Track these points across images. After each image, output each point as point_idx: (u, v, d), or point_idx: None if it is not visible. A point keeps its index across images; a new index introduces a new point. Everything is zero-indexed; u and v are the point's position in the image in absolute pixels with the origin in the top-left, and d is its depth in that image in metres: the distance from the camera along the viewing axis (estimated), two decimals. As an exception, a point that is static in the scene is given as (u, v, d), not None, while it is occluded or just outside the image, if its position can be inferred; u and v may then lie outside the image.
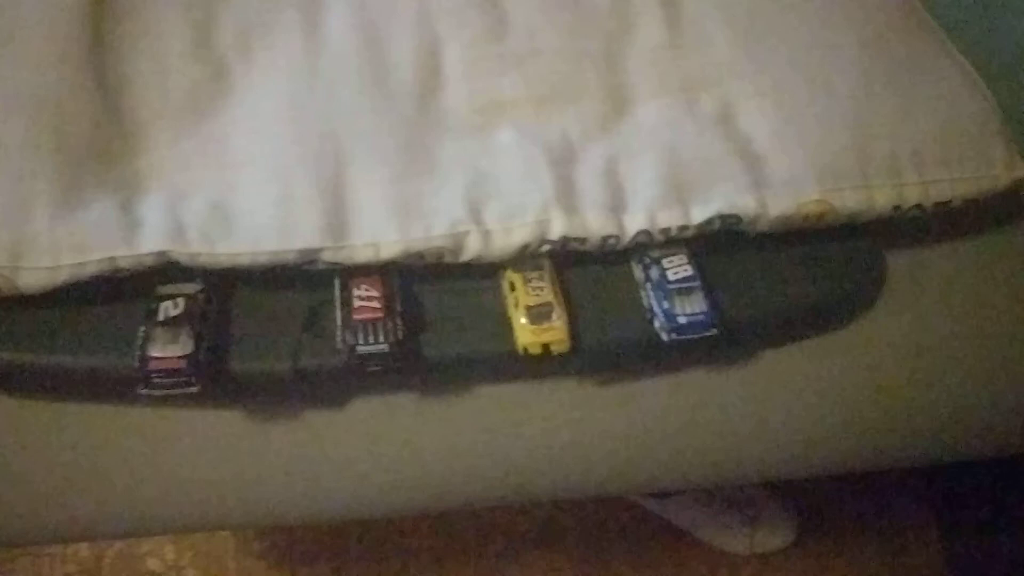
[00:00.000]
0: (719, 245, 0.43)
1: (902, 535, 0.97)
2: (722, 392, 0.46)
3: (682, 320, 0.39)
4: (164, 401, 0.38)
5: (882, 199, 0.42)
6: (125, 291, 0.39)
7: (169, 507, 0.45)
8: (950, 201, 0.43)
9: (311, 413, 0.43)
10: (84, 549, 0.94)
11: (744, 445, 0.47)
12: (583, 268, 0.42)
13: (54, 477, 0.43)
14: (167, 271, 0.39)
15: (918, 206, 0.42)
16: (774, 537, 0.96)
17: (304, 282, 0.40)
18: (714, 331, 0.40)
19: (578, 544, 0.96)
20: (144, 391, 0.37)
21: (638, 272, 0.42)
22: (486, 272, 0.42)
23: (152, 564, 0.94)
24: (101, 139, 0.41)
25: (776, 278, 0.43)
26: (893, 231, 0.45)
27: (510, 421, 0.45)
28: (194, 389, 0.37)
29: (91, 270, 0.37)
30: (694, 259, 0.41)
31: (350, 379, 0.40)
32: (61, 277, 0.37)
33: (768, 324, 0.43)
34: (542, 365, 0.40)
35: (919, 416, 0.48)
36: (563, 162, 0.42)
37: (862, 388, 0.47)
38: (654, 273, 0.41)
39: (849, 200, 0.41)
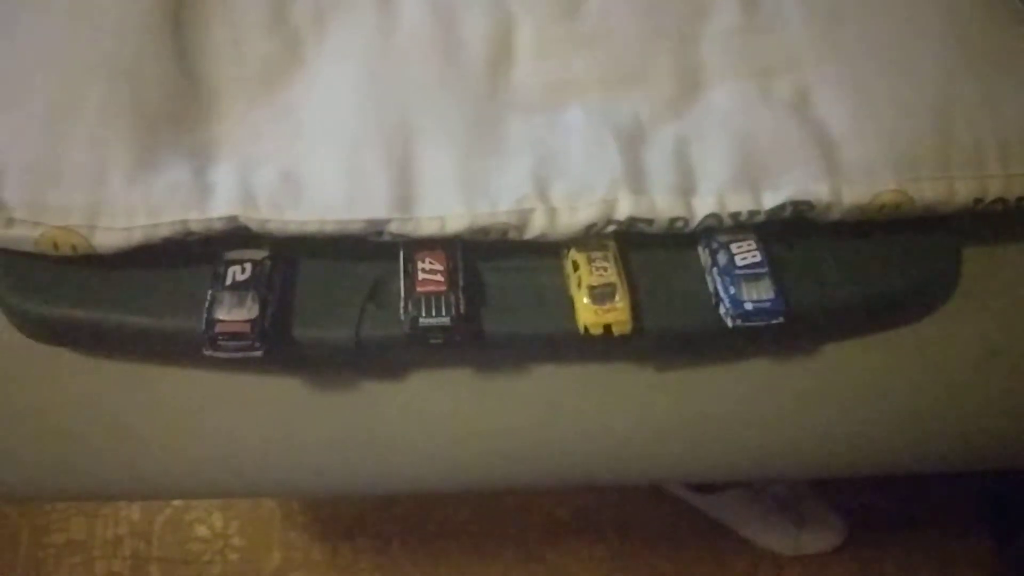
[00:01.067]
0: (788, 232, 0.42)
1: (952, 543, 0.95)
2: (783, 383, 0.45)
3: (748, 306, 0.39)
4: (226, 364, 0.39)
5: (963, 191, 0.40)
6: (194, 255, 0.39)
7: (222, 471, 0.45)
8: (1034, 196, 0.41)
9: (368, 384, 0.43)
10: (136, 513, 0.96)
11: (802, 439, 0.46)
12: (648, 251, 0.42)
13: (114, 435, 0.44)
14: (236, 237, 0.39)
15: (1000, 199, 0.41)
16: (820, 539, 0.94)
17: (368, 253, 0.40)
18: (781, 319, 0.39)
19: (617, 534, 0.96)
20: (209, 352, 0.37)
21: (704, 256, 0.41)
22: (550, 251, 0.41)
23: (200, 531, 0.96)
24: (177, 106, 0.41)
25: (846, 269, 0.42)
26: (970, 225, 0.44)
27: (567, 402, 0.44)
28: (258, 353, 0.37)
29: (163, 232, 0.38)
30: (763, 245, 0.41)
31: (410, 351, 0.40)
32: (135, 238, 0.38)
33: (835, 316, 0.42)
34: (602, 347, 0.40)
35: (987, 420, 0.47)
36: (632, 143, 0.41)
37: (928, 388, 0.45)
38: (721, 258, 0.40)
39: (927, 191, 0.40)
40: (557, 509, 0.97)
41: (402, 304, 0.38)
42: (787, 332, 0.40)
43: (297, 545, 0.95)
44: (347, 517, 0.96)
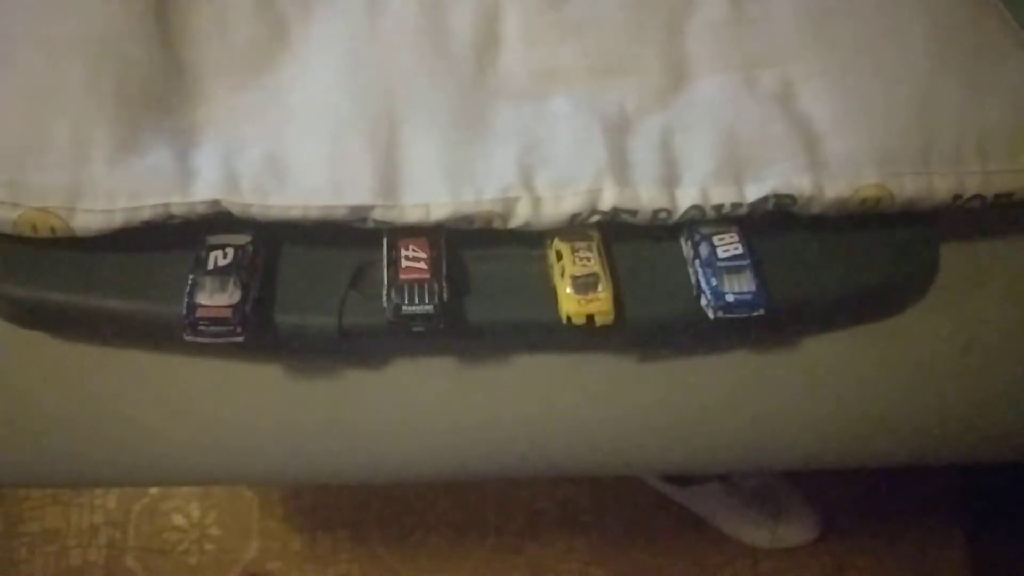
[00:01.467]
0: (770, 225, 0.42)
1: (927, 537, 0.96)
2: (764, 375, 0.45)
3: (730, 298, 0.39)
4: (208, 349, 0.38)
5: (942, 187, 0.41)
6: (176, 239, 0.39)
7: (203, 457, 0.45)
8: (1012, 193, 0.42)
9: (350, 372, 0.43)
10: (112, 501, 0.96)
11: (782, 430, 0.47)
12: (631, 242, 0.42)
13: (92, 420, 0.44)
14: (218, 221, 0.39)
15: (978, 196, 0.41)
16: (796, 532, 0.95)
17: (351, 240, 0.40)
18: (762, 311, 0.39)
19: (597, 526, 0.97)
20: (189, 337, 0.37)
21: (687, 248, 0.42)
22: (533, 240, 0.41)
23: (177, 520, 0.96)
24: (160, 88, 0.41)
25: (826, 262, 0.43)
26: (949, 221, 0.44)
27: (549, 392, 0.44)
28: (239, 339, 0.37)
29: (145, 215, 0.37)
30: (745, 237, 0.41)
31: (393, 339, 0.40)
32: (116, 221, 0.37)
33: (815, 308, 0.43)
34: (585, 337, 0.40)
35: (963, 414, 0.47)
36: (617, 133, 0.41)
37: (906, 381, 0.46)
38: (703, 250, 0.40)
39: (908, 186, 0.41)
40: (537, 501, 0.98)
41: (385, 291, 0.38)
42: (768, 324, 0.40)
43: (275, 535, 0.95)
44: (326, 507, 0.96)
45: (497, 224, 0.40)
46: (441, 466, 0.47)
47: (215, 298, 0.37)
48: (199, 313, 0.36)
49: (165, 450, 0.44)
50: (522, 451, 0.46)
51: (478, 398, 0.44)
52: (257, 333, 0.38)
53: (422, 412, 0.44)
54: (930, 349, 0.46)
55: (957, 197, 0.41)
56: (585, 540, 0.97)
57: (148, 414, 0.43)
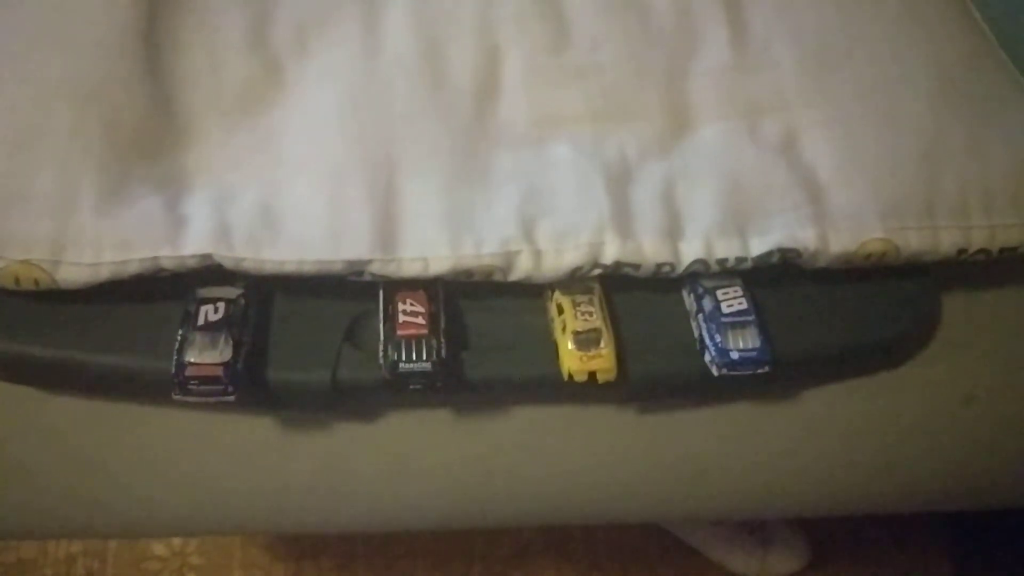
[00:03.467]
0: (771, 277, 0.41)
1: (913, 565, 0.96)
2: (763, 426, 0.45)
3: (734, 355, 0.38)
4: (197, 404, 0.37)
5: (947, 241, 0.40)
6: (164, 290, 0.38)
7: (188, 510, 0.44)
8: (1017, 247, 0.41)
9: (343, 424, 0.42)
10: (90, 530, 0.93)
11: (781, 481, 0.46)
12: (631, 293, 0.41)
13: (76, 473, 0.42)
14: (208, 273, 0.37)
15: (983, 250, 0.41)
16: (785, 562, 0.95)
17: (346, 291, 0.39)
18: (767, 368, 0.38)
19: (585, 555, 0.95)
20: (179, 397, 0.35)
21: (689, 301, 0.41)
22: (533, 292, 0.40)
23: (157, 549, 0.93)
24: (149, 131, 0.39)
25: (828, 315, 0.42)
26: (951, 271, 0.44)
27: (546, 443, 0.43)
28: (230, 398, 0.36)
29: (133, 269, 0.36)
30: (748, 291, 0.40)
31: (389, 395, 0.39)
32: (103, 274, 0.36)
33: (818, 363, 0.42)
34: (585, 391, 0.39)
35: (963, 464, 0.47)
36: (619, 182, 0.40)
37: (906, 432, 0.45)
38: (707, 304, 0.40)
39: (913, 241, 0.40)
40: (525, 530, 0.96)
41: (381, 348, 0.37)
42: (770, 378, 0.39)
43: (259, 564, 0.93)
44: (310, 536, 0.94)
45: (497, 277, 0.39)
46: (436, 516, 0.45)
47: (205, 355, 0.36)
48: (189, 372, 0.35)
49: (150, 503, 0.43)
50: (519, 501, 0.45)
51: (475, 450, 0.43)
52: (249, 390, 0.37)
53: (416, 463, 0.43)
54: (930, 400, 0.45)
55: (962, 251, 0.41)
56: (572, 568, 0.96)
57: (133, 468, 0.42)
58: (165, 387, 0.36)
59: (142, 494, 0.42)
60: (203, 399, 0.35)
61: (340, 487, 0.43)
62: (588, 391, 0.39)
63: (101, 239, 0.36)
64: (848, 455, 0.45)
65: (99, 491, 0.42)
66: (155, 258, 0.36)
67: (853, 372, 0.44)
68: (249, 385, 0.37)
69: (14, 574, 0.91)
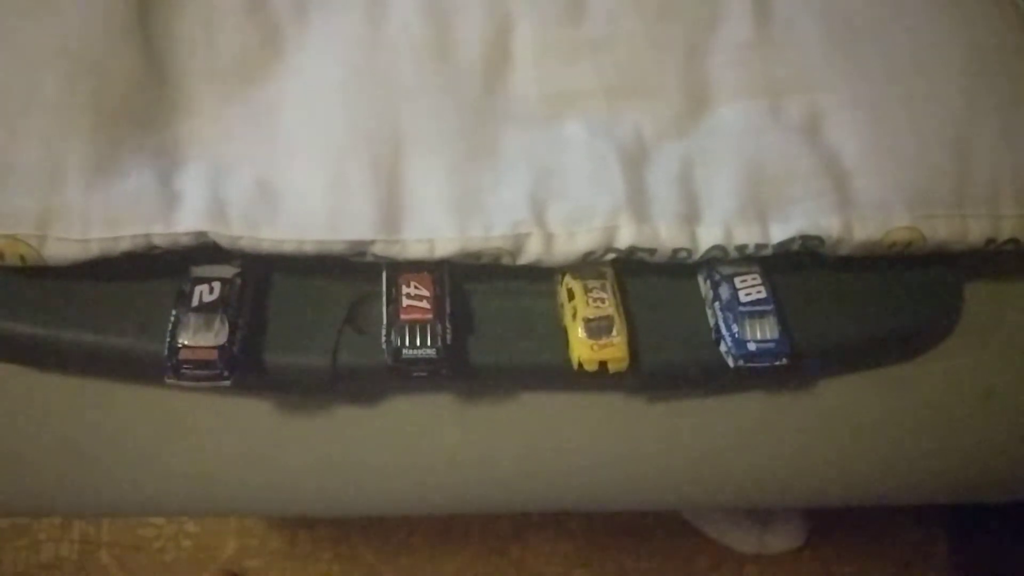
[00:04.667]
0: (788, 263, 0.40)
1: (911, 544, 0.96)
2: (779, 417, 0.43)
3: (752, 347, 0.37)
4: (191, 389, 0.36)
5: (976, 231, 0.39)
6: (158, 267, 0.36)
7: (183, 492, 0.43)
8: (1048, 239, 0.40)
9: (342, 407, 0.41)
10: (85, 496, 0.93)
11: (794, 472, 0.45)
12: (644, 278, 0.39)
13: (66, 454, 0.41)
14: (203, 251, 0.36)
15: (1013, 240, 0.39)
16: (782, 539, 0.95)
17: (347, 272, 0.38)
18: (784, 360, 0.37)
19: (584, 530, 0.95)
20: (171, 381, 0.34)
21: (705, 288, 0.39)
22: (543, 276, 0.39)
23: (154, 516, 0.93)
24: (142, 101, 0.37)
25: (848, 305, 0.40)
26: (974, 261, 0.42)
27: (554, 431, 0.42)
28: (226, 383, 0.34)
29: (124, 246, 0.34)
30: (767, 279, 0.38)
31: (391, 381, 0.38)
32: (92, 251, 0.34)
33: (836, 354, 0.41)
34: (595, 380, 0.37)
35: (982, 458, 0.46)
36: (635, 163, 0.39)
37: (923, 425, 0.44)
38: (724, 292, 0.38)
39: (941, 229, 0.38)
40: (523, 505, 0.96)
41: (384, 333, 0.35)
42: (787, 370, 0.38)
43: (254, 532, 0.92)
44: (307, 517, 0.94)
45: (506, 260, 0.37)
46: (439, 503, 0.44)
47: (200, 337, 0.34)
48: (182, 355, 0.34)
49: (141, 484, 0.42)
50: (524, 489, 0.44)
51: (480, 436, 0.42)
52: (245, 374, 0.35)
53: (419, 450, 0.42)
54: (949, 393, 0.44)
55: (991, 241, 0.39)
56: (571, 543, 0.96)
57: (130, 448, 0.41)
58: (157, 369, 0.34)
59: (133, 476, 0.41)
60: (197, 384, 0.34)
61: (338, 472, 0.42)
62: (598, 380, 0.37)
63: (90, 214, 0.34)
64: (864, 447, 0.44)
65: (88, 472, 0.41)
66: (147, 235, 0.34)
67: (871, 363, 0.42)
68: (245, 369, 0.35)
69: (8, 538, 0.90)
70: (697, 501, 0.47)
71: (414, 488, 0.43)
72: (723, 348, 0.37)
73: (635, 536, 0.96)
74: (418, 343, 0.35)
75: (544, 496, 0.44)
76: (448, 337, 0.35)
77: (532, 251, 0.37)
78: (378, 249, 0.36)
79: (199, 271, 0.36)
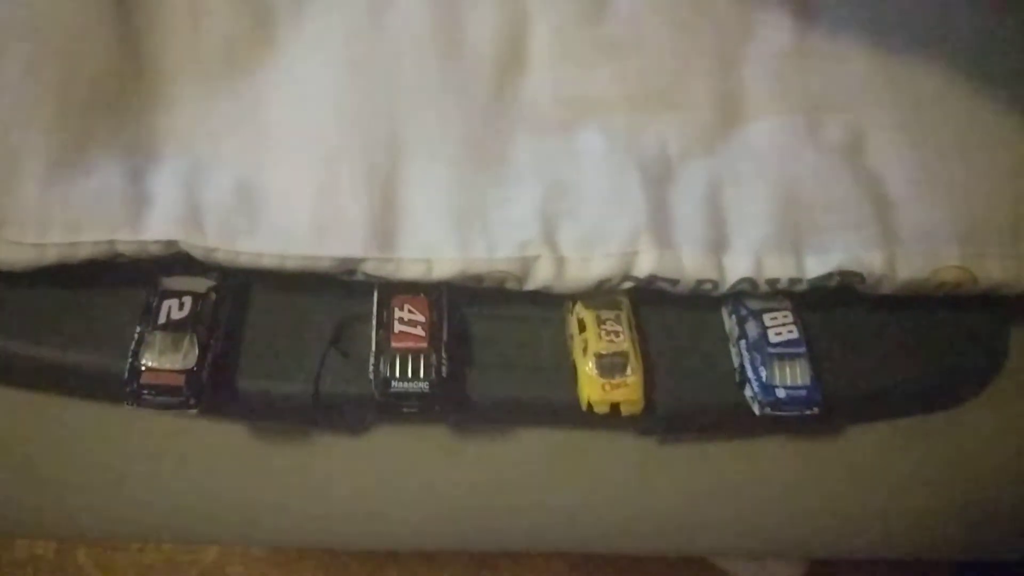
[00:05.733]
0: (819, 300, 0.36)
1: (914, 569, 0.93)
2: (802, 466, 0.40)
3: (781, 394, 0.33)
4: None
5: (1034, 274, 0.35)
6: (124, 275, 0.32)
7: (151, 519, 0.39)
8: (1110, 284, 0.36)
9: (325, 436, 0.37)
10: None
11: (817, 523, 0.41)
12: (661, 309, 0.36)
13: (19, 474, 0.37)
14: (175, 260, 0.32)
15: (1075, 286, 0.35)
16: (785, 566, 0.92)
17: (334, 289, 0.34)
18: (816, 410, 0.33)
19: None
20: (131, 406, 0.30)
21: (730, 323, 0.35)
22: (551, 302, 0.35)
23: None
24: (114, 88, 0.34)
25: (883, 348, 0.36)
26: (1020, 301, 0.38)
27: (556, 469, 0.38)
28: (192, 411, 0.30)
29: (84, 253, 0.31)
30: (799, 317, 0.35)
31: (378, 414, 0.34)
32: (48, 256, 0.31)
33: (869, 402, 0.37)
34: (605, 420, 0.34)
35: (1012, 515, 0.42)
36: (657, 181, 0.35)
37: (961, 479, 0.40)
38: (751, 329, 0.34)
39: (994, 271, 0.35)
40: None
41: (372, 362, 0.32)
42: (817, 419, 0.34)
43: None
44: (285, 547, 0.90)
45: (511, 285, 0.33)
46: (423, 541, 0.41)
47: (165, 359, 0.30)
48: (144, 379, 0.30)
49: (101, 512, 0.38)
50: (521, 529, 0.40)
51: (473, 471, 0.38)
52: (215, 400, 0.31)
53: (404, 484, 0.38)
54: (990, 445, 0.40)
55: (1050, 286, 0.35)
56: (564, 563, 0.92)
57: (84, 472, 0.37)
58: (115, 391, 0.31)
59: (94, 502, 0.37)
60: (160, 411, 0.30)
61: (317, 505, 0.38)
62: (608, 421, 0.34)
63: (48, 215, 0.31)
64: (896, 500, 0.40)
65: (45, 495, 0.37)
66: (111, 241, 0.31)
67: (907, 411, 0.39)
68: (216, 395, 0.31)
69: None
70: (711, 549, 0.43)
71: (399, 525, 0.39)
72: (748, 393, 0.34)
73: (632, 557, 0.92)
74: (410, 375, 0.31)
75: (542, 538, 0.41)
76: (444, 369, 0.32)
77: (541, 276, 0.33)
78: (369, 268, 0.32)
79: (169, 283, 0.32)
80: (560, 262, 0.33)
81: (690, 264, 0.33)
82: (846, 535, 0.42)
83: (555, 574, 0.91)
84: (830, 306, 0.36)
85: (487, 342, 0.34)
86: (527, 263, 0.33)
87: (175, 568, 0.88)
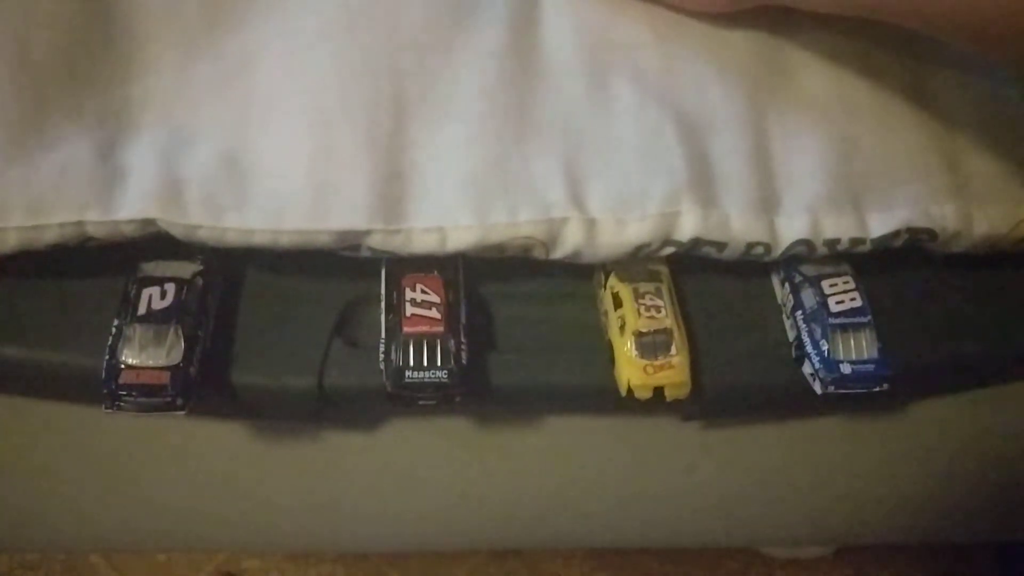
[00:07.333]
0: (879, 263, 0.32)
1: (947, 551, 0.90)
2: (858, 446, 0.36)
3: (846, 369, 0.29)
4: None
5: None
6: (99, 261, 0.29)
7: (151, 525, 0.35)
8: None
9: (333, 434, 0.33)
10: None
11: (870, 507, 0.38)
12: (703, 277, 0.32)
13: (12, 480, 0.34)
14: (155, 243, 0.28)
15: None
16: (815, 545, 0.89)
17: (337, 269, 0.30)
18: (885, 386, 0.29)
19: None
20: (109, 410, 0.27)
21: (783, 293, 0.31)
22: (580, 275, 0.31)
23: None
24: (83, 52, 0.30)
25: (952, 315, 0.32)
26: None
27: (588, 461, 0.35)
28: (180, 412, 0.27)
29: (50, 237, 0.27)
30: (861, 282, 0.31)
31: (391, 408, 0.30)
32: (9, 243, 0.27)
33: (934, 375, 0.33)
34: (646, 406, 0.30)
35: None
36: (697, 133, 0.31)
37: (1008, 454, 0.37)
38: (808, 298, 0.30)
39: (1083, 222, 0.30)
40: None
41: (383, 349, 0.28)
42: (883, 395, 0.30)
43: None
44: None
45: (537, 254, 0.29)
46: (449, 541, 0.37)
47: (148, 355, 0.27)
48: (124, 378, 0.26)
49: (89, 520, 0.35)
50: (550, 526, 0.36)
51: (497, 466, 0.34)
52: (206, 398, 0.28)
53: (425, 484, 0.35)
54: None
55: None
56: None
57: (68, 476, 0.34)
58: (94, 392, 0.27)
59: (81, 509, 0.34)
60: (143, 412, 0.27)
61: (328, 507, 0.35)
62: (649, 406, 0.30)
63: (8, 196, 0.27)
64: (961, 478, 0.37)
65: (29, 502, 0.34)
66: (79, 223, 0.27)
67: (965, 383, 0.35)
68: (205, 393, 0.28)
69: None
70: (756, 541, 0.39)
71: (416, 527, 0.36)
72: (807, 369, 0.30)
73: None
74: (425, 363, 0.27)
75: (572, 534, 0.37)
76: (463, 356, 0.28)
77: (570, 242, 0.29)
78: (375, 241, 0.28)
79: (149, 268, 0.28)
80: (591, 224, 0.29)
81: (739, 225, 0.29)
82: (911, 520, 0.38)
83: (581, 559, 0.88)
84: (888, 267, 0.32)
85: (510, 323, 0.31)
86: (554, 227, 0.29)
87: (190, 563, 0.86)
